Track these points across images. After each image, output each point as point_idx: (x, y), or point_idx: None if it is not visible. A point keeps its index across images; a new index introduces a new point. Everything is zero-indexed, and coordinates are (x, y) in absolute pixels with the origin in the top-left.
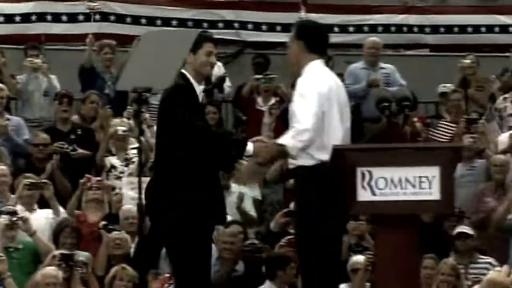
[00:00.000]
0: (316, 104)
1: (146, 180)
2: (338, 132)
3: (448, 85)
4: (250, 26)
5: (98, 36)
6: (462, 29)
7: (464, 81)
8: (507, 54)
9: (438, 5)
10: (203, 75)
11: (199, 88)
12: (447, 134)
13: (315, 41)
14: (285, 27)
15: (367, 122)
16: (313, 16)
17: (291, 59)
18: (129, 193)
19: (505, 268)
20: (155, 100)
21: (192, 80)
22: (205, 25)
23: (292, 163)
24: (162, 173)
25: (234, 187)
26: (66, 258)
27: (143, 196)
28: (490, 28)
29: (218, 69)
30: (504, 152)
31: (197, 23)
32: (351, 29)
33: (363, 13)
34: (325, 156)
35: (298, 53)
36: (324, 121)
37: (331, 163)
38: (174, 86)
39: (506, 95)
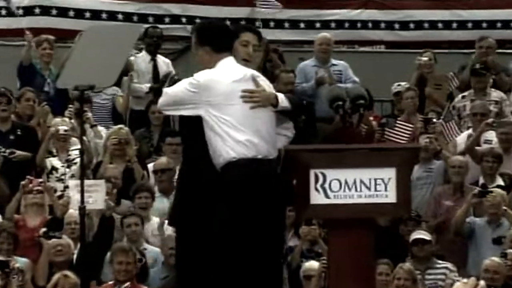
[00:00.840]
0: (184, 89)
1: (89, 182)
2: (252, 124)
3: (403, 83)
4: (198, 21)
5: (39, 31)
6: (419, 25)
7: (421, 79)
8: (465, 50)
9: (394, 0)
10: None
11: None
12: (403, 134)
13: (221, 42)
14: (236, 22)
15: (320, 122)
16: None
17: (203, 65)
18: (76, 197)
19: (472, 279)
20: (98, 99)
21: None
22: (151, 19)
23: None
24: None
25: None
26: (2, 265)
27: (87, 199)
28: (447, 24)
29: (166, 66)
30: (462, 153)
31: (143, 17)
32: (302, 25)
33: (315, 8)
34: (240, 150)
35: (208, 59)
36: (226, 115)
37: (283, 165)
38: None
39: (465, 94)
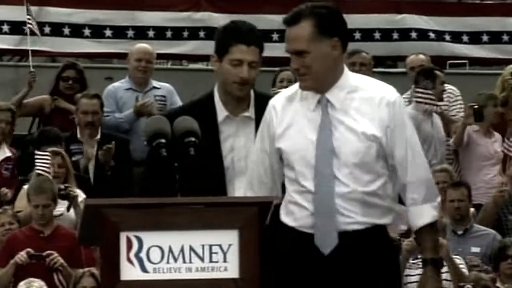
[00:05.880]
0: None
1: None
2: None
3: None
4: None
5: None
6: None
7: None
8: None
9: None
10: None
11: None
12: None
13: None
14: (16, 27)
15: (137, 167)
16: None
17: None
18: None
19: None
20: None
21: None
22: None
23: None
24: None
25: None
26: None
27: None
28: None
29: None
30: None
31: None
32: (109, 32)
33: (129, 9)
34: None
35: None
36: None
37: (82, 225)
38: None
39: None
